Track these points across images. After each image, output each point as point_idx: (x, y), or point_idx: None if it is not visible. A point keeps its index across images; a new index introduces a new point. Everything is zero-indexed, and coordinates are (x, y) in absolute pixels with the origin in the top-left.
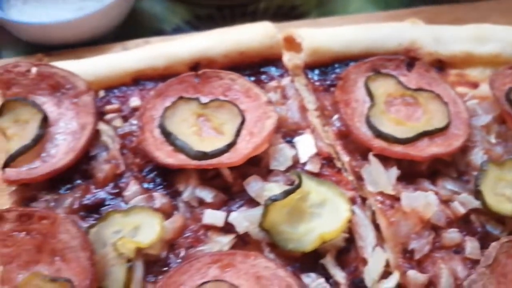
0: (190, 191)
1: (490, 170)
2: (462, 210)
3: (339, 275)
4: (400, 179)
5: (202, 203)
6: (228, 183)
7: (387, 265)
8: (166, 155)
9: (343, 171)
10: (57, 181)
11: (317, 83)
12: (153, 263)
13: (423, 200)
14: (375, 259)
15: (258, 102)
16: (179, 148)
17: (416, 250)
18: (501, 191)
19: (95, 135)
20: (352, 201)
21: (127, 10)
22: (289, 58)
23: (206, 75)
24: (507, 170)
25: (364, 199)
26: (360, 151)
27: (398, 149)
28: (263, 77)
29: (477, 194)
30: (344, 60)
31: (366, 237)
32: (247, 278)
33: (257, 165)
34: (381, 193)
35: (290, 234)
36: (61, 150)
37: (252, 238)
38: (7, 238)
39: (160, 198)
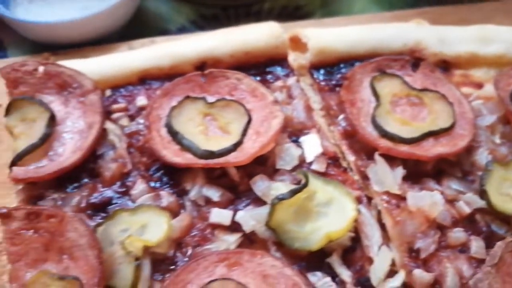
0: (197, 190)
1: (495, 170)
2: (467, 210)
3: (345, 274)
4: (405, 178)
5: (208, 202)
6: (235, 182)
7: (393, 264)
8: (173, 154)
9: (348, 170)
10: (64, 179)
11: (322, 83)
12: (160, 261)
13: (429, 200)
14: (381, 258)
15: (264, 101)
16: (185, 147)
17: (422, 249)
18: (506, 191)
19: (102, 134)
20: (358, 200)
21: (133, 10)
22: (294, 58)
23: (213, 75)
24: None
25: (369, 199)
26: (366, 150)
27: (403, 149)
28: (268, 76)
29: (482, 194)
30: (349, 60)
31: (372, 236)
32: (254, 277)
33: (264, 164)
34: (387, 193)
35: (296, 233)
36: (68, 149)
37: (258, 237)
38: (15, 236)
39: (167, 197)
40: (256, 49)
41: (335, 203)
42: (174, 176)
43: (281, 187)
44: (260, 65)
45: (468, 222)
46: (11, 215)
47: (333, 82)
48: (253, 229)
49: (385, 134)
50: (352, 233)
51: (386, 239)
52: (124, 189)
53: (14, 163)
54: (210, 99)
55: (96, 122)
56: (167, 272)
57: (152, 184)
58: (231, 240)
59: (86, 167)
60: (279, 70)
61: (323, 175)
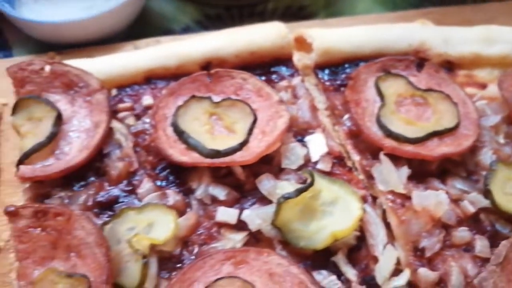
0: (203, 188)
1: (499, 170)
2: (471, 209)
3: (351, 273)
4: (410, 178)
5: (215, 200)
6: (241, 181)
7: (398, 263)
8: (179, 153)
9: (353, 170)
10: (71, 178)
11: (327, 83)
12: (167, 259)
13: (434, 199)
14: (386, 257)
15: (269, 101)
16: (192, 146)
17: (426, 248)
18: (510, 191)
19: (109, 133)
20: (363, 199)
21: (138, 10)
22: (298, 58)
23: (218, 75)
24: None
25: (374, 198)
26: (371, 150)
27: (408, 148)
28: (273, 76)
29: (487, 194)
30: (354, 60)
31: (377, 235)
32: (260, 275)
33: (269, 163)
34: (391, 192)
35: (301, 232)
36: (74, 148)
37: (264, 236)
38: (22, 234)
39: (173, 196)
40: (261, 49)
41: (341, 202)
42: (180, 175)
43: (286, 186)
44: (265, 65)
45: (473, 221)
46: (18, 213)
47: (338, 82)
48: (259, 228)
49: (390, 134)
50: (357, 232)
51: (391, 238)
52: (130, 188)
53: (21, 161)
54: (216, 98)
55: (102, 121)
56: (173, 270)
57: (159, 183)
58: (237, 238)
59: (93, 166)
60: (284, 70)
61: (328, 174)
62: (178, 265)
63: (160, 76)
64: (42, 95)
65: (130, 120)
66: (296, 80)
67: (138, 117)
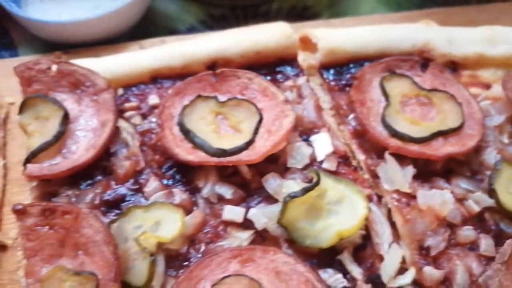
0: (210, 187)
1: (504, 169)
2: (476, 208)
3: (356, 271)
4: (415, 177)
5: (221, 199)
6: (247, 180)
7: (403, 261)
8: (186, 152)
9: (358, 169)
10: (78, 177)
11: (332, 83)
12: (174, 258)
13: (439, 198)
14: (392, 255)
15: (275, 101)
16: (198, 145)
17: (432, 247)
18: None
19: (115, 132)
20: (369, 198)
21: (143, 10)
22: (303, 58)
23: (224, 74)
24: None
25: (380, 197)
26: (375, 150)
27: (413, 148)
28: (278, 76)
29: (491, 193)
30: (359, 60)
31: (383, 234)
32: (267, 273)
33: (275, 162)
34: (397, 191)
35: (307, 230)
36: (81, 147)
37: (270, 234)
38: (30, 232)
39: (180, 194)
40: (267, 49)
41: (346, 201)
42: (186, 174)
43: (292, 185)
44: (270, 65)
45: (477, 220)
46: (26, 211)
47: (343, 82)
48: (265, 227)
49: (395, 134)
50: (362, 231)
51: (396, 237)
52: (137, 187)
53: (28, 160)
54: (222, 98)
55: (109, 120)
56: (180, 268)
57: (165, 181)
58: (244, 237)
59: (100, 165)
60: (289, 70)
61: (333, 173)
62: (185, 263)
63: (166, 75)
64: (49, 94)
65: (137, 119)
66: (301, 80)
67: (144, 116)
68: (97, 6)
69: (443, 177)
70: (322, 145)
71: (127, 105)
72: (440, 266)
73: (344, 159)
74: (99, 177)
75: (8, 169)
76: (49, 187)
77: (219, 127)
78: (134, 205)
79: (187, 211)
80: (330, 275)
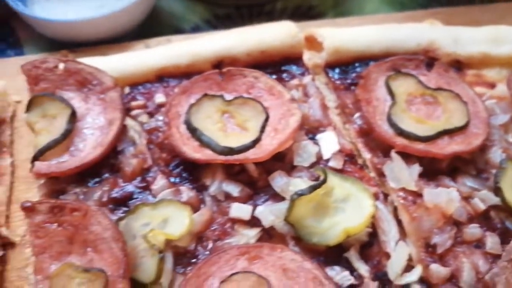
0: (217, 185)
1: (509, 167)
2: (482, 207)
3: (363, 269)
4: (421, 175)
5: (228, 197)
6: (253, 178)
7: (410, 259)
8: (193, 150)
9: (364, 168)
10: (86, 174)
11: (337, 82)
12: (182, 255)
13: (445, 196)
14: (398, 253)
15: (281, 99)
16: (205, 143)
17: (438, 244)
18: None
19: (122, 130)
20: (375, 196)
21: (149, 9)
22: (309, 57)
23: (230, 73)
24: None
25: (386, 195)
26: (381, 148)
27: (419, 146)
28: (284, 75)
29: (497, 191)
30: (364, 59)
31: (389, 231)
32: (274, 270)
33: (281, 161)
34: (403, 189)
35: (314, 228)
36: (89, 145)
37: (277, 232)
38: (39, 230)
39: (187, 192)
40: (272, 48)
41: (353, 199)
42: (193, 172)
43: (299, 183)
44: (276, 64)
45: (483, 218)
46: (35, 208)
47: (348, 81)
48: (272, 224)
49: (401, 132)
50: (369, 228)
51: (403, 234)
52: (144, 184)
53: (36, 158)
54: (228, 97)
55: (116, 118)
56: (188, 265)
57: (172, 179)
58: (251, 234)
59: (107, 163)
60: (294, 69)
61: (340, 172)
62: (193, 260)
63: (172, 74)
64: (56, 92)
65: (143, 118)
66: (306, 79)
67: (151, 114)
68: (102, 5)
69: (449, 175)
70: (328, 143)
71: (133, 103)
72: (447, 264)
73: (350, 157)
74: (107, 175)
75: (16, 167)
76: (56, 184)
77: (226, 126)
78: (142, 202)
79: (195, 208)
80: (337, 272)
